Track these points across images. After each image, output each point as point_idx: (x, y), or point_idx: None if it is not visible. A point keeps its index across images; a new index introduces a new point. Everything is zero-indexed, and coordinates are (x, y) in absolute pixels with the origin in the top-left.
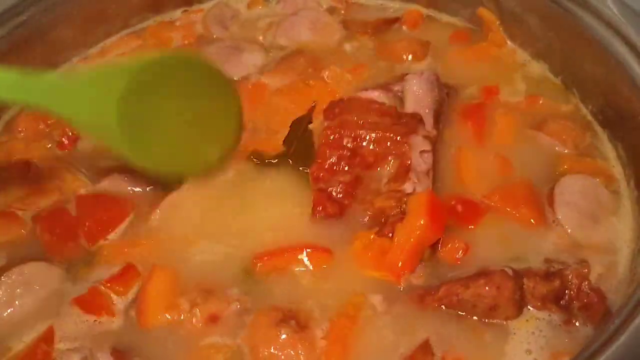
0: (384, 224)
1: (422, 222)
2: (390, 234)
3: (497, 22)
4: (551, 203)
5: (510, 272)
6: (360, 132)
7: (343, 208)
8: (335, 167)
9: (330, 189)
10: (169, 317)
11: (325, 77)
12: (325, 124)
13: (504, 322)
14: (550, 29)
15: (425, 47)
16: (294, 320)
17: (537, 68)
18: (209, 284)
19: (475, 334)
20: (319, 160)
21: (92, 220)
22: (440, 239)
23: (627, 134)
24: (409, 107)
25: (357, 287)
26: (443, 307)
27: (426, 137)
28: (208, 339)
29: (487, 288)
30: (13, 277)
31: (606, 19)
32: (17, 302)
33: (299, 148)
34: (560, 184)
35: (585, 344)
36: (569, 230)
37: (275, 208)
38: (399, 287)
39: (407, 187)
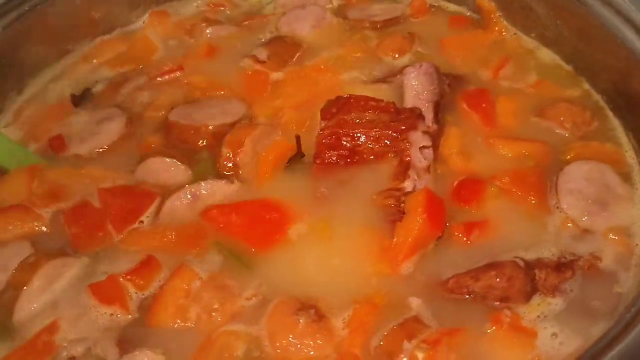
0: (384, 222)
1: (420, 221)
2: (391, 229)
3: (497, 12)
4: (557, 191)
5: (521, 263)
6: (358, 130)
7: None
8: (334, 168)
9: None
10: (182, 322)
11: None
12: (323, 124)
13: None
14: (559, 17)
15: (411, 39)
16: (313, 309)
17: (546, 55)
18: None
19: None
20: (318, 162)
21: (118, 208)
22: (442, 235)
23: (638, 122)
24: (408, 101)
25: (362, 281)
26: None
27: (426, 132)
28: (227, 326)
29: (497, 280)
30: (49, 270)
31: (616, 6)
32: (44, 294)
33: None
34: (565, 172)
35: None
36: (574, 218)
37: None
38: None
39: (407, 184)
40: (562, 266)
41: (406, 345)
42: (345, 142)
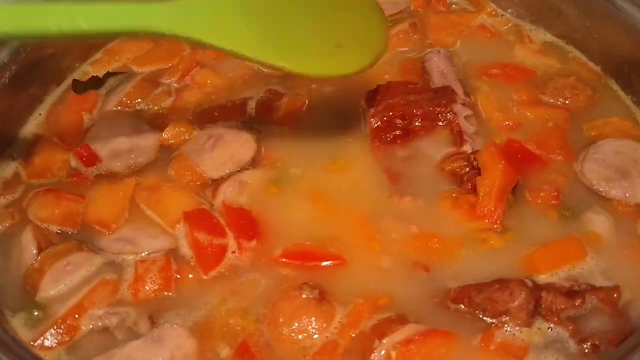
0: (460, 182)
1: (501, 167)
2: (471, 188)
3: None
4: (584, 159)
5: (529, 283)
6: (406, 111)
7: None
8: (392, 147)
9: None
10: None
11: None
12: (371, 111)
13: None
14: (589, 19)
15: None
16: (317, 289)
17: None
18: None
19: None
20: (376, 144)
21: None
22: (518, 180)
23: None
24: (437, 82)
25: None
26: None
27: (464, 104)
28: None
29: (499, 292)
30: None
31: None
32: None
33: None
34: (596, 145)
35: None
36: (591, 182)
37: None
38: (497, 229)
39: (467, 148)
40: (573, 293)
41: (376, 343)
42: (397, 123)
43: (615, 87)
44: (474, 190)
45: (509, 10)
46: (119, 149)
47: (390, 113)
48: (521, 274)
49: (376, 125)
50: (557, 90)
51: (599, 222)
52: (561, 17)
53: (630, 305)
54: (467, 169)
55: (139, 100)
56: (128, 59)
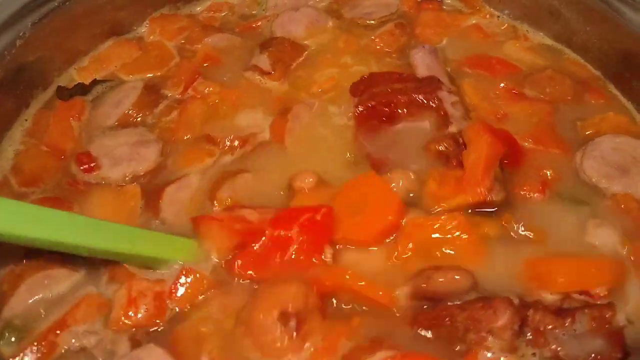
0: (446, 160)
1: (487, 138)
2: (457, 164)
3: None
4: (582, 155)
5: (515, 301)
6: (391, 99)
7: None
8: (377, 131)
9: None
10: None
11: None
12: (355, 100)
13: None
14: (589, 23)
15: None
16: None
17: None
18: None
19: None
20: (362, 130)
21: None
22: (503, 152)
23: None
24: (423, 73)
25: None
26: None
27: (450, 91)
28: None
29: (482, 311)
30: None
31: None
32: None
33: None
34: (595, 142)
35: None
36: (590, 178)
37: None
38: (484, 207)
39: (452, 128)
40: (563, 312)
41: None
42: (382, 110)
43: (615, 91)
44: (461, 165)
45: (505, 12)
46: (120, 157)
47: (374, 101)
48: (523, 284)
49: (360, 111)
50: (535, 82)
51: (604, 236)
52: (561, 21)
53: (626, 328)
54: (453, 147)
55: (147, 113)
56: (116, 66)
